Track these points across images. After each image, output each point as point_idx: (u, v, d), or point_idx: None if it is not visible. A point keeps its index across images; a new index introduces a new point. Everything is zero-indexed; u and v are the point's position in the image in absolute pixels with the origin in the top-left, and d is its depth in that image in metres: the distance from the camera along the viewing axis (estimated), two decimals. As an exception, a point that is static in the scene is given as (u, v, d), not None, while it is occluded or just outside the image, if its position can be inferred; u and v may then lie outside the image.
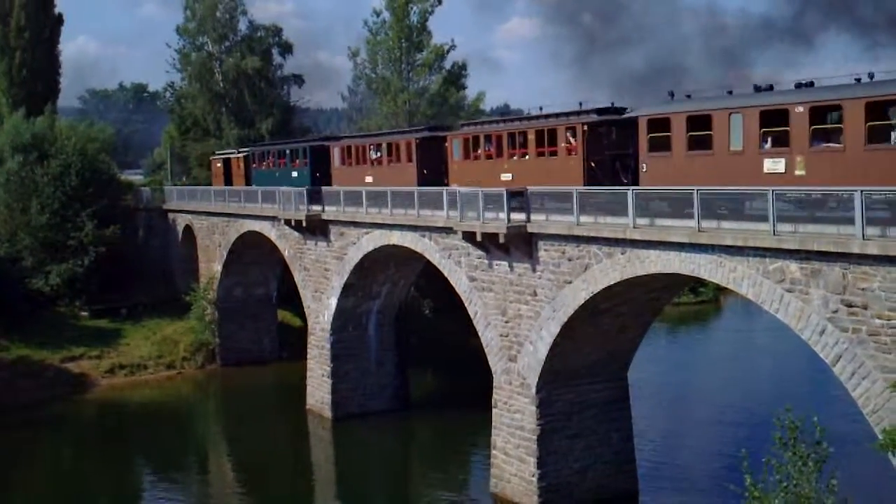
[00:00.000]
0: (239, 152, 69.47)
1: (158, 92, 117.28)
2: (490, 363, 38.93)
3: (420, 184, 46.68)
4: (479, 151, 43.68)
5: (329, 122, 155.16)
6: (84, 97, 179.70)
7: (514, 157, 41.30)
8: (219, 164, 72.01)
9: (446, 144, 46.66)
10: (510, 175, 40.99)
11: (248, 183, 65.92)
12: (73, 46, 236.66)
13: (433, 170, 47.50)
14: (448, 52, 78.06)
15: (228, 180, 69.99)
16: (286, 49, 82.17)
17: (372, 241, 46.99)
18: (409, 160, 48.90)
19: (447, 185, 44.87)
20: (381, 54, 78.73)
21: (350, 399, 51.38)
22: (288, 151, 60.80)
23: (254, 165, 65.68)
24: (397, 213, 44.75)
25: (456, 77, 79.35)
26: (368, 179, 51.86)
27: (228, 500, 42.16)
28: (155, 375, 62.49)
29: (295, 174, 59.02)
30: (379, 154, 52.13)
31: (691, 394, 55.31)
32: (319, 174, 56.63)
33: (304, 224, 51.31)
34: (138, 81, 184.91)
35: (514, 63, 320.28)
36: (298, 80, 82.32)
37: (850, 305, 24.83)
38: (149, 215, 75.65)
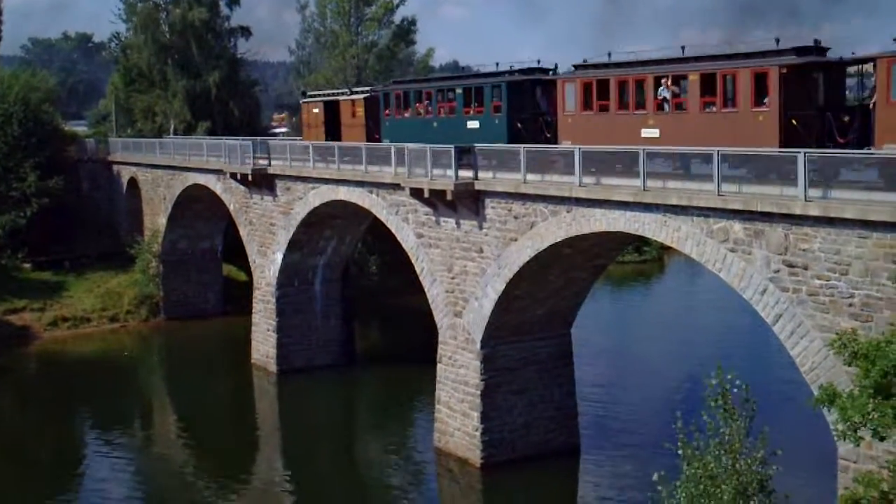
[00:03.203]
0: (353, 92, 51.27)
1: (104, 42, 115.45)
2: (436, 319, 39.12)
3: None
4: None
5: (276, 75, 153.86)
6: (27, 46, 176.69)
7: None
8: (315, 111, 52.54)
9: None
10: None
11: (373, 137, 47.30)
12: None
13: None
14: (397, 6, 77.60)
15: (334, 133, 51.04)
16: (233, 1, 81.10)
17: (319, 196, 46.84)
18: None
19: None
20: (330, 8, 78.29)
21: (295, 353, 51.43)
22: (460, 91, 41.66)
23: (386, 112, 46.07)
24: (345, 169, 44.62)
25: (405, 32, 78.92)
26: (650, 134, 33.16)
27: (172, 454, 42.12)
28: (98, 328, 62.03)
29: (475, 124, 40.48)
30: (676, 91, 32.89)
31: (634, 351, 55.96)
32: (523, 123, 38.81)
33: (249, 178, 50.95)
34: (83, 31, 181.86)
35: (463, 19, 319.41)
36: (246, 32, 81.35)
37: (791, 266, 25.23)
38: (93, 167, 74.60)
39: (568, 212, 32.19)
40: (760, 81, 29.10)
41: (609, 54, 35.47)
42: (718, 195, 26.88)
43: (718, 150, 27.03)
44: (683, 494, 21.77)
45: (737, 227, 26.68)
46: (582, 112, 35.57)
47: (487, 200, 35.78)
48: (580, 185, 31.41)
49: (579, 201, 31.64)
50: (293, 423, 46.21)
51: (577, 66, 36.90)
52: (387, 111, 45.95)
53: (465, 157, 36.57)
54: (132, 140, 72.92)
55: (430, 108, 43.39)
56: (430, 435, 39.79)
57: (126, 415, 48.43)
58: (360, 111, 48.87)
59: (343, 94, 51.72)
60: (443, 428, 38.86)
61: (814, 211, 24.26)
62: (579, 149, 31.90)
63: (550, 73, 39.98)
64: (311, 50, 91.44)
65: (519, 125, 38.42)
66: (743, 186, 26.76)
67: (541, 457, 37.57)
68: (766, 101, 28.93)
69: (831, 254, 24.12)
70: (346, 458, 42.30)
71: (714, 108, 30.71)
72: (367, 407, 49.95)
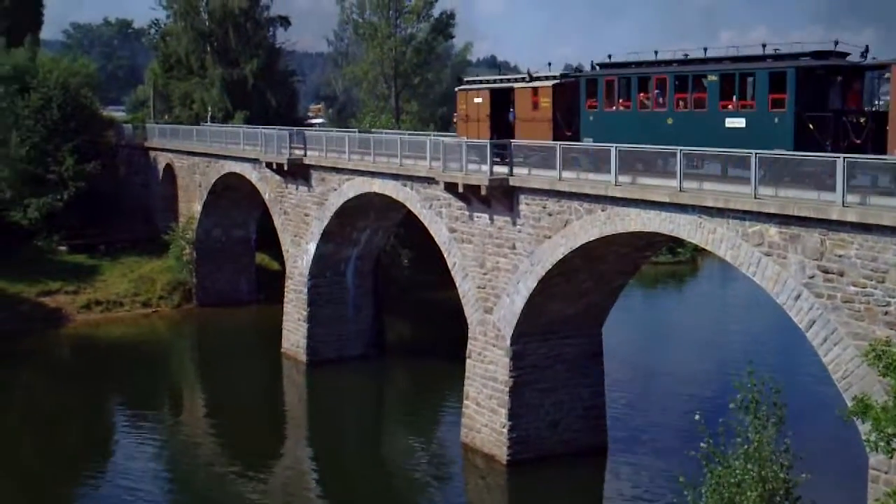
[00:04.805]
0: (534, 78, 39.80)
1: (143, 29, 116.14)
2: (466, 314, 39.07)
3: None
4: None
5: (314, 66, 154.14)
6: (68, 31, 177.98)
7: None
8: (477, 101, 42.41)
9: None
10: None
11: (563, 134, 37.51)
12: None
13: None
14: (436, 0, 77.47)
15: (503, 128, 40.81)
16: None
17: (353, 187, 46.87)
18: None
19: None
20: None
21: (325, 344, 51.52)
22: (715, 77, 31.82)
23: (589, 104, 36.66)
24: (380, 161, 44.63)
25: (444, 26, 78.83)
26: None
27: (199, 440, 42.31)
28: (131, 313, 62.45)
29: (738, 122, 30.81)
30: None
31: (664, 352, 55.63)
32: (816, 124, 28.80)
33: (285, 168, 51.07)
34: (123, 17, 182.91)
35: (499, 15, 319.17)
36: (285, 21, 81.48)
37: (826, 272, 25.00)
38: (130, 152, 75.15)
39: (603, 210, 32.05)
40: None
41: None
42: (755, 198, 26.66)
43: (756, 153, 26.81)
44: (710, 501, 21.67)
45: (772, 231, 26.46)
46: None
47: (522, 197, 35.68)
48: (616, 185, 31.27)
49: (615, 200, 31.49)
50: (321, 413, 46.29)
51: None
52: (590, 102, 36.59)
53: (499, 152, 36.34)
54: (169, 126, 73.23)
55: (661, 99, 34.10)
56: (458, 430, 39.76)
57: (155, 399, 48.74)
58: (546, 102, 38.69)
59: (520, 79, 41.18)
60: (470, 424, 38.82)
61: (851, 217, 24.01)
62: (616, 147, 31.75)
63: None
64: (349, 41, 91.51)
65: (811, 126, 28.69)
66: (780, 190, 26.55)
67: (567, 455, 37.46)
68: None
69: (868, 260, 23.87)
70: (373, 449, 42.39)
71: None
72: (395, 400, 49.98)
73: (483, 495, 37.06)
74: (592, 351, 38.71)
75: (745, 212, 27.15)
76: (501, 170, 36.23)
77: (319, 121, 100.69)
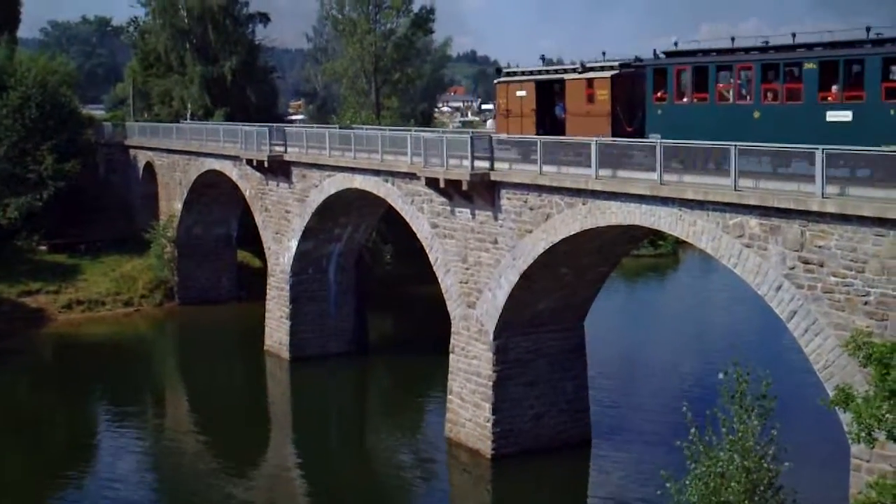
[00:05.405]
0: (587, 68, 36.47)
1: (122, 26, 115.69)
2: (449, 309, 39.07)
3: None
4: None
5: (293, 62, 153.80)
6: (46, 29, 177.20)
7: None
8: (521, 94, 38.98)
9: None
10: None
11: (623, 130, 34.56)
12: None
13: None
14: (417, -6, 77.30)
15: (550, 123, 38.14)
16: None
17: (334, 184, 46.80)
18: None
19: None
20: (348, -5, 77.95)
21: (308, 341, 51.46)
22: (814, 65, 28.34)
23: (657, 96, 33.29)
24: (361, 157, 44.57)
25: (423, 21, 78.72)
26: None
27: (182, 437, 42.22)
28: (112, 312, 62.24)
29: (844, 116, 27.53)
30: None
31: (647, 345, 55.83)
32: None
33: (265, 165, 50.93)
34: (102, 15, 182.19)
35: (480, 10, 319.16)
36: (264, 18, 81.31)
37: (806, 262, 25.10)
38: (110, 151, 74.89)
39: (584, 204, 32.07)
40: None
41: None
42: (735, 190, 26.74)
43: (736, 146, 26.87)
44: (693, 492, 21.75)
45: (753, 223, 26.54)
46: None
47: (503, 191, 35.68)
48: (596, 178, 31.30)
49: (595, 194, 31.51)
50: (305, 410, 46.25)
51: None
52: (659, 94, 33.26)
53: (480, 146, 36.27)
54: (149, 125, 72.99)
55: (744, 91, 30.69)
56: (442, 425, 39.77)
57: (138, 398, 48.56)
58: (604, 94, 35.20)
59: (570, 69, 37.53)
60: (454, 418, 38.84)
61: (831, 208, 24.11)
62: (596, 141, 31.78)
63: None
64: (329, 38, 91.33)
65: None
66: (760, 182, 26.63)
67: (552, 449, 37.51)
68: None
69: (847, 251, 23.97)
70: (357, 446, 42.37)
71: None
72: (378, 396, 49.99)
73: (467, 490, 37.06)
74: (575, 344, 38.75)
75: (725, 204, 27.19)
76: (483, 164, 36.20)
77: (300, 117, 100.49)
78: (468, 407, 37.99)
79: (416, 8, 78.07)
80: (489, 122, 52.30)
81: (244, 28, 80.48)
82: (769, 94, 29.74)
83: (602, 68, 35.74)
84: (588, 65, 36.43)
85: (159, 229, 65.29)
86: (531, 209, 34.38)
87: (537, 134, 36.82)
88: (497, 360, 36.84)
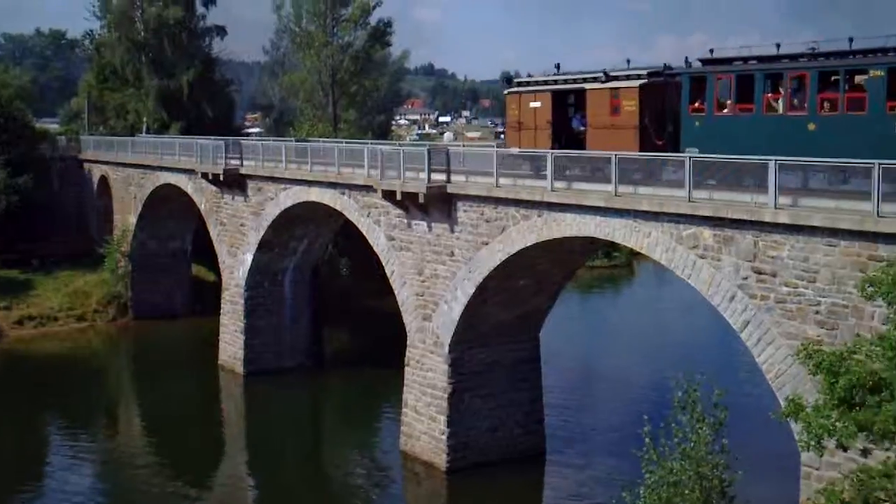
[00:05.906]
0: (611, 77, 34.08)
1: (77, 39, 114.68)
2: (405, 322, 38.98)
3: None
4: None
5: (250, 75, 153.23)
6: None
7: None
8: (535, 105, 36.56)
9: None
10: None
11: (653, 144, 32.13)
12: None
13: None
14: (373, 8, 77.34)
15: (568, 136, 35.92)
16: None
17: (290, 197, 46.60)
18: None
19: None
20: (305, 8, 77.81)
21: (263, 355, 51.11)
22: (881, 72, 25.73)
23: (695, 106, 30.48)
24: (317, 170, 44.44)
25: (381, 34, 78.74)
26: None
27: (136, 454, 41.71)
28: (65, 327, 61.50)
29: None
30: None
31: (602, 356, 55.99)
32: None
33: (221, 178, 50.63)
34: (57, 28, 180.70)
35: (437, 23, 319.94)
36: (221, 31, 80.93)
37: (759, 273, 25.27)
38: (64, 165, 73.98)
39: (539, 216, 32.13)
40: None
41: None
42: (689, 201, 26.88)
43: (690, 157, 27.05)
44: (647, 501, 21.79)
45: (707, 234, 26.69)
46: None
47: (459, 204, 35.69)
48: (552, 190, 31.37)
49: (550, 206, 31.58)
50: (259, 425, 45.87)
51: None
52: (696, 104, 30.49)
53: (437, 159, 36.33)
54: (104, 138, 72.39)
55: (797, 101, 27.98)
56: (397, 438, 39.61)
57: (91, 415, 47.95)
58: (631, 105, 32.56)
59: (591, 78, 34.72)
60: (409, 431, 38.70)
61: (783, 218, 24.31)
62: (551, 153, 31.87)
63: None
64: (286, 50, 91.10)
65: None
66: (714, 193, 26.80)
67: (507, 461, 37.48)
68: None
69: (799, 261, 24.16)
70: (312, 460, 42.10)
71: None
72: (334, 410, 49.68)
73: (423, 503, 36.94)
74: (530, 356, 38.81)
75: (679, 215, 27.35)
76: (439, 177, 36.20)
77: (257, 130, 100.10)
78: (423, 420, 37.86)
79: (373, 21, 78.09)
80: (447, 135, 52.53)
81: (201, 41, 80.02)
82: (826, 105, 27.23)
83: (628, 77, 33.32)
84: (612, 73, 34.01)
85: (114, 244, 64.65)
86: (487, 221, 34.39)
87: (553, 148, 34.15)
88: (452, 372, 36.78)
